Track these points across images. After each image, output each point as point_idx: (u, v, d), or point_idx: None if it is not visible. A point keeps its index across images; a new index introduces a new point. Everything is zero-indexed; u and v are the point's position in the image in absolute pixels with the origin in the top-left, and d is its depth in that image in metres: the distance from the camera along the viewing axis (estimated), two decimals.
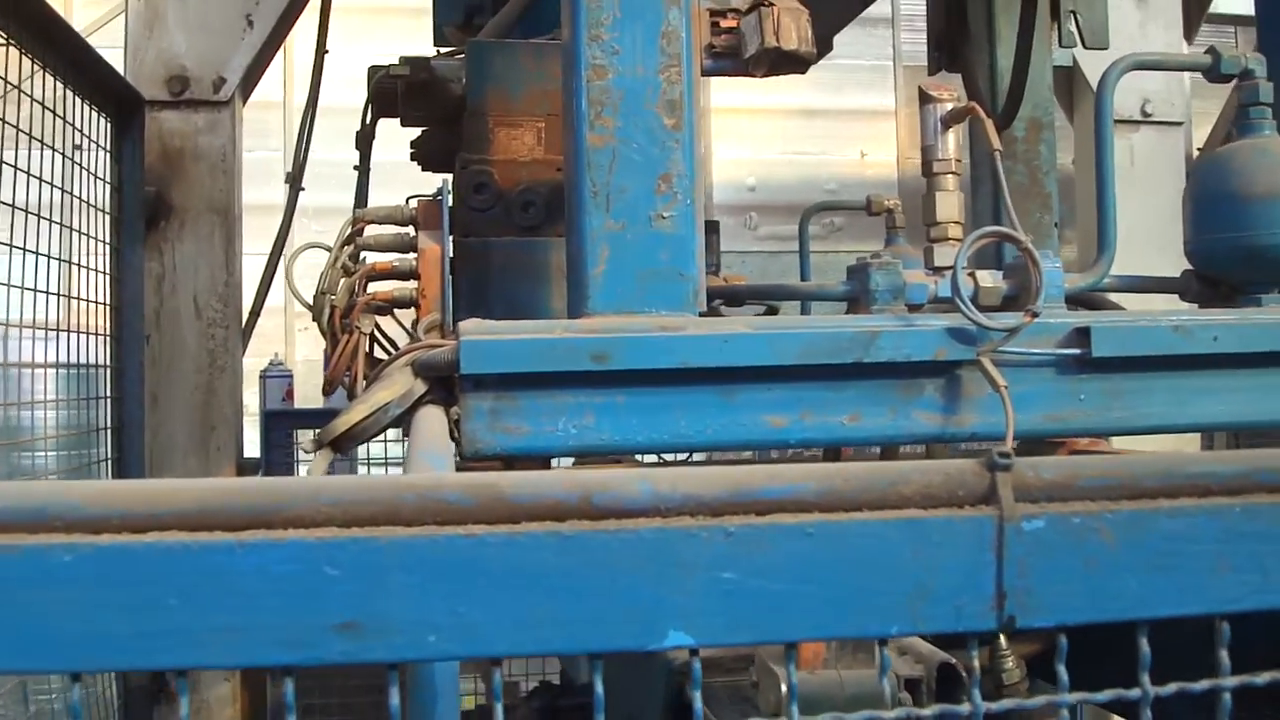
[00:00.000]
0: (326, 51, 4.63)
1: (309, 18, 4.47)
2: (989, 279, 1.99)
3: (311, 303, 2.33)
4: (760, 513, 0.81)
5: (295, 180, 4.55)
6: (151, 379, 3.96)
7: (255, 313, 4.46)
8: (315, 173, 4.90)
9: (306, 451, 1.76)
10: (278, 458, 4.34)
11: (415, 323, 2.37)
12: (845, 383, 1.86)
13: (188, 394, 4.06)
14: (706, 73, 2.18)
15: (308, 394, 5.48)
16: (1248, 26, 9.14)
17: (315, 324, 2.33)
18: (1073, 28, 3.43)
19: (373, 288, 2.35)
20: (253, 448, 4.43)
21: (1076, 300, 2.26)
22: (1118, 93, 5.20)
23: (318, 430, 1.78)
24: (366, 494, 0.77)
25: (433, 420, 1.62)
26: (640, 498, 0.80)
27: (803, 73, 2.18)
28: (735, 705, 1.80)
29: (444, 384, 1.84)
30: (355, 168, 2.80)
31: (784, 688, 1.18)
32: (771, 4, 2.07)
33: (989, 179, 3.09)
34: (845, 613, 0.81)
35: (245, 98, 4.37)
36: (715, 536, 0.79)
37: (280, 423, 4.42)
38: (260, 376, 4.79)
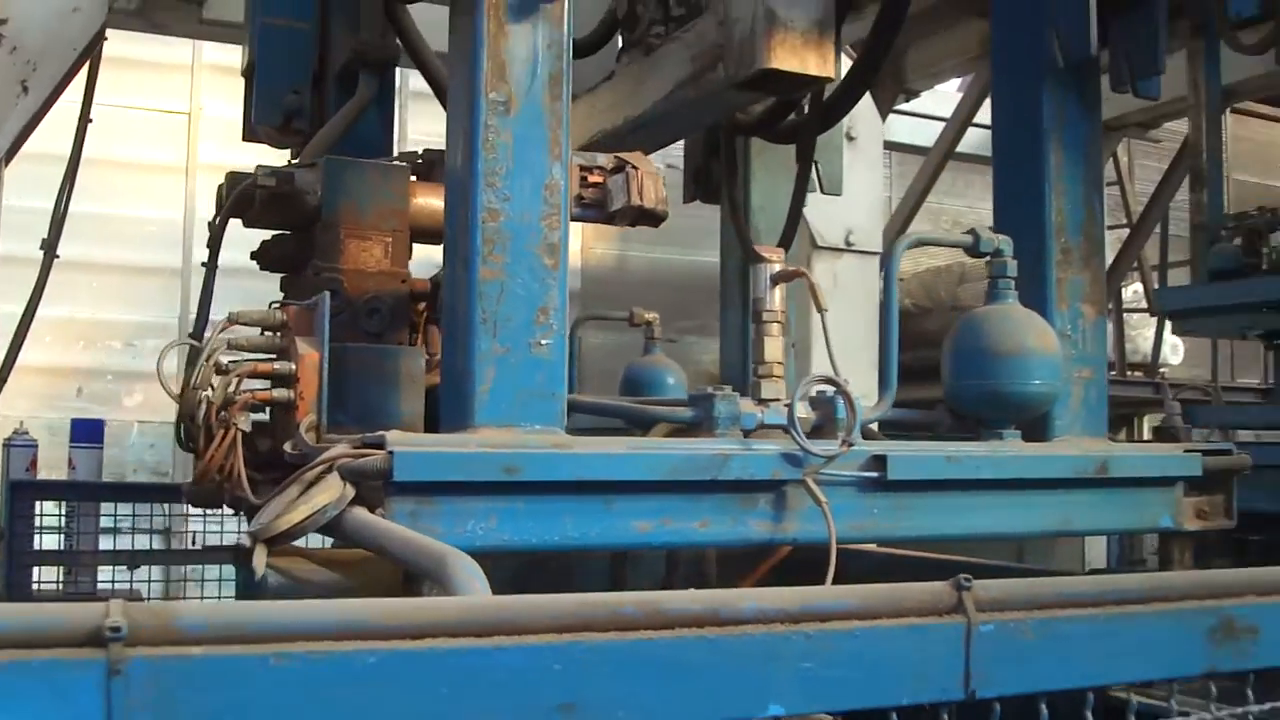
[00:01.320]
0: (90, 120, 4.63)
1: None
2: (802, 410, 2.43)
3: (180, 396, 2.47)
4: (822, 619, 1.16)
5: (51, 246, 4.49)
6: None
7: (2, 380, 4.34)
8: (11, 221, 4.79)
9: (246, 546, 1.94)
10: (21, 528, 4.24)
11: (284, 423, 2.55)
12: (700, 495, 2.23)
13: None
14: (575, 219, 2.53)
15: None
16: (900, 152, 10.39)
17: (181, 420, 2.47)
18: (813, 175, 4.01)
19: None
20: None
21: None
22: (826, 224, 5.92)
23: (250, 530, 1.96)
24: (571, 609, 1.07)
25: (386, 524, 1.86)
26: (749, 611, 1.13)
27: (656, 226, 2.57)
28: None
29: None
30: (204, 264, 2.93)
31: None
32: (636, 167, 2.46)
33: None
34: (876, 689, 1.18)
35: (8, 160, 4.30)
36: (799, 638, 1.14)
37: (25, 493, 4.32)
38: (3, 445, 4.63)
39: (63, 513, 4.37)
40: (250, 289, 3.26)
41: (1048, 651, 1.27)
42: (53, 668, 0.92)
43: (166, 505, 4.30)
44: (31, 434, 5.60)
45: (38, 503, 4.32)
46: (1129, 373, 11.57)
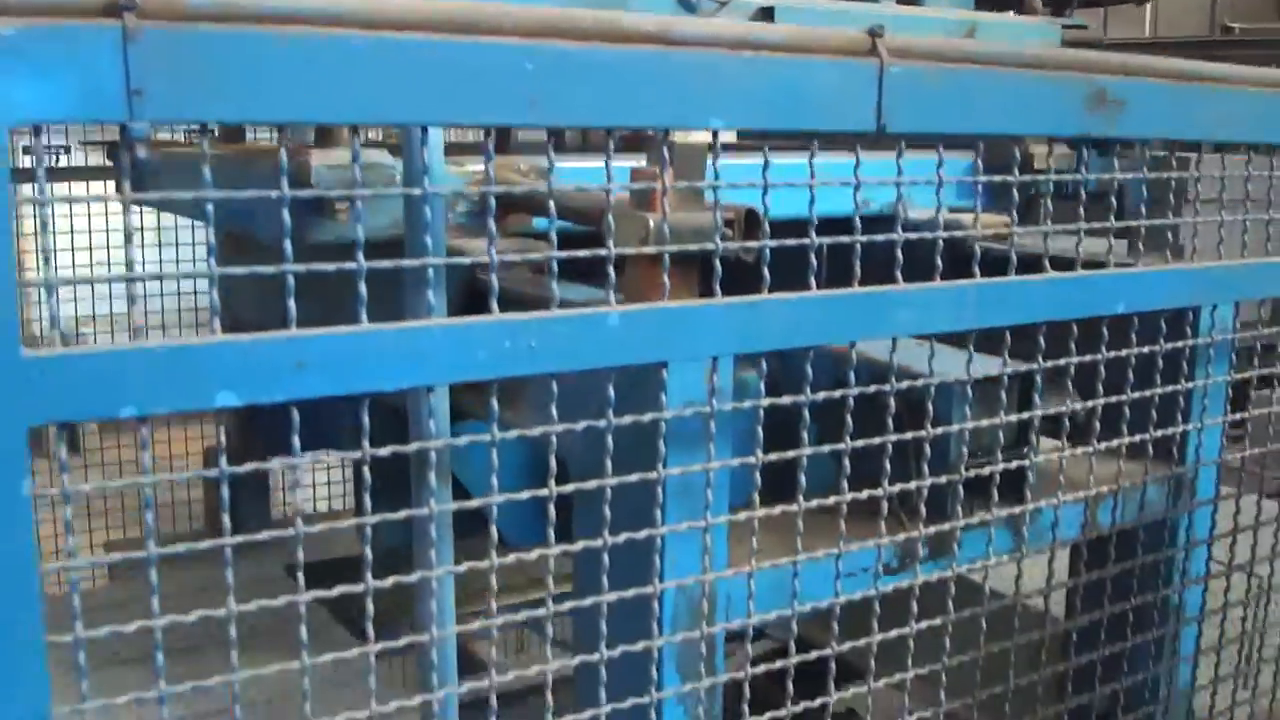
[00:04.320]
0: None
1: None
2: None
3: None
4: (757, 48, 1.29)
5: None
6: None
7: None
8: None
9: None
10: None
11: None
12: None
13: None
14: None
15: None
16: None
17: None
18: None
19: None
20: None
21: None
22: None
23: None
24: (539, 17, 1.17)
25: None
26: (696, 34, 1.25)
27: None
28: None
29: None
30: None
31: (651, 223, 1.67)
32: None
33: None
34: (801, 113, 1.33)
35: None
36: (740, 61, 1.27)
37: None
38: None
39: None
40: None
41: (949, 99, 1.43)
42: (72, 33, 0.99)
43: None
44: None
45: None
46: None
